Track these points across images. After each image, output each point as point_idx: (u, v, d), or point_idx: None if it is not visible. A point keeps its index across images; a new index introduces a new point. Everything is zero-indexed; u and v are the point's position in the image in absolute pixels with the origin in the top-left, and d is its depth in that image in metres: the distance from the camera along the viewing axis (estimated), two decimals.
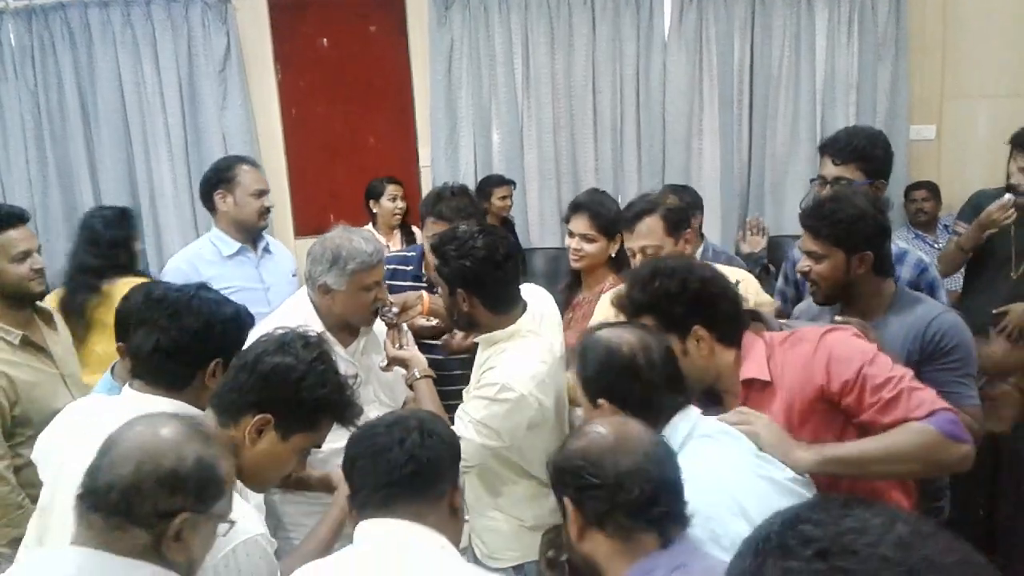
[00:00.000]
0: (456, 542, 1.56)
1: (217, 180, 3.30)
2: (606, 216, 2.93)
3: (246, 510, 1.63)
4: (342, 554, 1.55)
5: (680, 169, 5.11)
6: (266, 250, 3.36)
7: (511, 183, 4.91)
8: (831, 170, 2.76)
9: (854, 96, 5.13)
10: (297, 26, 5.18)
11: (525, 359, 2.22)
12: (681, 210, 2.73)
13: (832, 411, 1.91)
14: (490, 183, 4.85)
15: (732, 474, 1.66)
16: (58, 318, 2.87)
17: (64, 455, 1.81)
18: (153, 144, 5.08)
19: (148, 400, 1.81)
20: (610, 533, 1.43)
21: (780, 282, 3.13)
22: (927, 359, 2.17)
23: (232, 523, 1.45)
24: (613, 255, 2.93)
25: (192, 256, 3.26)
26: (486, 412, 2.16)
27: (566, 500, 1.48)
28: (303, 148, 5.27)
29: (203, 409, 1.79)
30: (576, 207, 2.99)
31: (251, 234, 3.29)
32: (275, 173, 5.20)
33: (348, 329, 2.56)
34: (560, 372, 2.35)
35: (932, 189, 4.97)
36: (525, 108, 5.17)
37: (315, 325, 2.40)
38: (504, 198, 4.84)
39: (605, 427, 1.52)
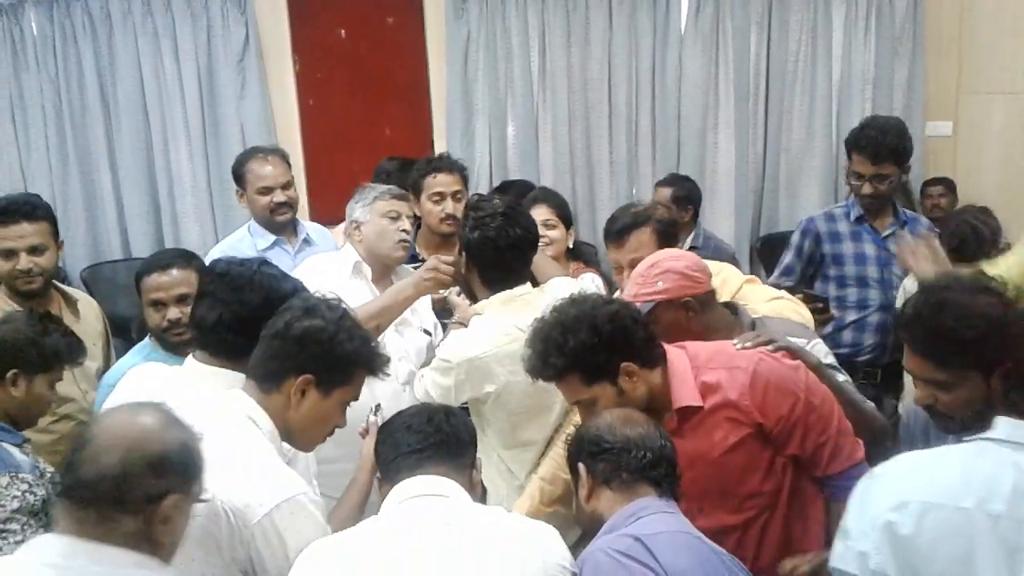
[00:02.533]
0: None
1: (235, 178, 3.33)
2: (562, 206, 3.17)
3: (285, 472, 1.72)
4: (380, 516, 1.69)
5: (695, 163, 5.11)
6: (306, 241, 3.31)
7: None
8: (869, 168, 2.98)
9: (870, 92, 5.12)
10: (315, 17, 5.20)
11: (472, 333, 2.38)
12: (672, 223, 2.67)
13: (764, 441, 1.97)
14: (510, 190, 4.57)
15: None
16: (88, 308, 2.89)
17: None
18: (172, 133, 5.12)
19: (211, 371, 1.94)
20: (615, 488, 1.71)
21: (790, 256, 3.27)
22: None
23: (207, 500, 1.52)
24: (571, 246, 3.13)
25: (230, 248, 3.23)
26: (431, 375, 2.37)
27: (580, 465, 1.75)
28: (320, 138, 5.31)
29: None
30: (534, 199, 3.18)
31: (275, 229, 3.26)
32: (292, 163, 5.21)
33: (387, 278, 2.76)
34: None
35: (948, 185, 4.97)
36: (541, 101, 5.18)
37: (349, 262, 2.66)
38: None
39: (613, 411, 1.84)
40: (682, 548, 1.58)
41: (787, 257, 3.34)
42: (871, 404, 2.31)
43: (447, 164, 3.13)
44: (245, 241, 3.26)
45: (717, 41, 5.10)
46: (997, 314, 1.68)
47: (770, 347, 2.08)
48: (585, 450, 1.75)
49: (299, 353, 1.75)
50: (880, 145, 3.01)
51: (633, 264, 2.51)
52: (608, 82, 5.13)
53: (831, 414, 1.99)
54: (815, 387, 2.01)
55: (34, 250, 2.66)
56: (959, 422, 1.72)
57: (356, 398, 1.88)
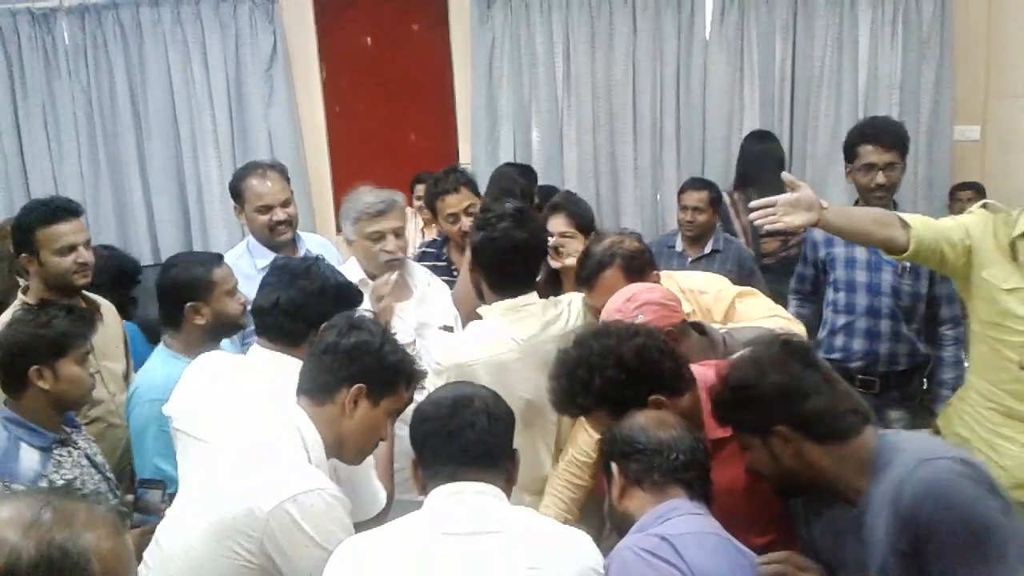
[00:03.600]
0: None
1: (233, 194, 3.23)
2: (581, 215, 3.05)
3: (310, 470, 1.76)
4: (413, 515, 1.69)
5: (720, 168, 5.10)
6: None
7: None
8: (883, 156, 3.04)
9: (897, 96, 5.08)
10: (342, 25, 5.26)
11: (467, 338, 2.41)
12: (642, 253, 2.52)
13: None
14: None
15: None
16: (109, 312, 2.93)
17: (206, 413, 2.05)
18: (201, 141, 5.19)
19: (274, 357, 2.08)
20: (646, 488, 1.71)
21: (800, 264, 3.39)
22: (919, 553, 1.56)
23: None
24: None
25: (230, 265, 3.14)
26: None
27: (614, 465, 1.76)
28: (346, 145, 5.36)
29: None
30: (553, 207, 3.07)
31: (275, 246, 3.13)
32: (319, 169, 5.31)
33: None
34: (535, 368, 2.35)
35: (978, 190, 4.92)
36: (565, 106, 5.20)
37: (354, 279, 2.61)
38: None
39: (648, 413, 1.84)
40: (709, 549, 1.59)
41: (799, 265, 3.43)
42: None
43: (452, 184, 3.17)
44: (244, 259, 3.13)
45: (742, 46, 5.09)
46: (754, 376, 1.72)
47: None
48: (618, 450, 1.76)
49: (351, 364, 1.83)
50: (889, 133, 3.09)
51: None
52: (632, 87, 5.13)
53: None
54: None
55: (87, 244, 2.75)
56: (777, 487, 1.79)
57: (401, 410, 1.93)
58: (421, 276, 2.94)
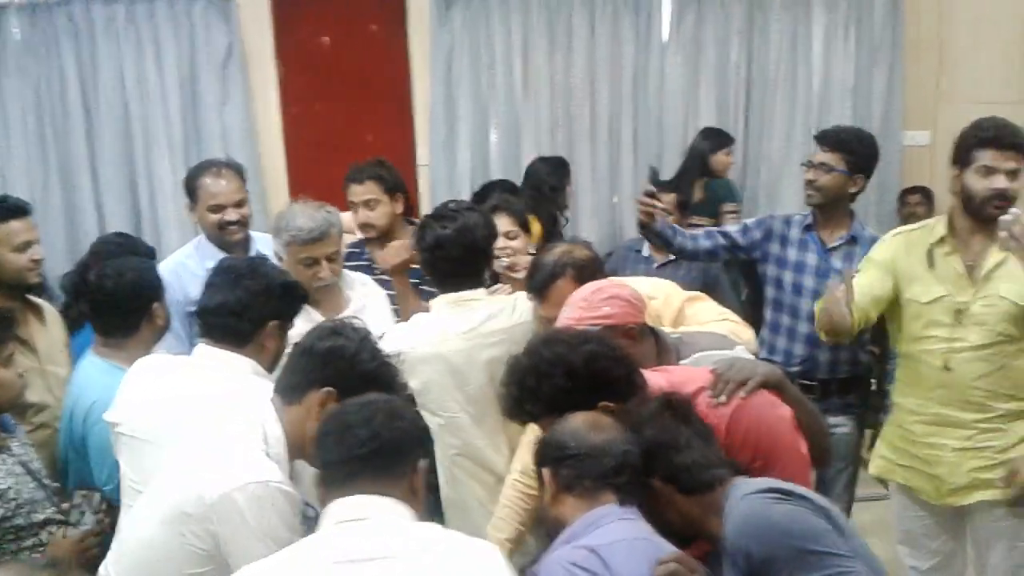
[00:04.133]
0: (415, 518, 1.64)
1: (187, 191, 3.17)
2: (521, 212, 3.12)
3: (263, 461, 1.76)
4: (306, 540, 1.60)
5: (675, 172, 5.14)
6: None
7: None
8: (818, 156, 3.11)
9: (850, 100, 5.17)
10: (299, 24, 5.21)
11: (407, 329, 2.49)
12: (592, 262, 2.50)
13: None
14: (494, 190, 4.67)
15: None
16: (52, 316, 2.88)
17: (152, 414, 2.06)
18: (154, 140, 5.10)
19: (221, 355, 2.09)
20: (577, 494, 1.69)
21: (735, 228, 3.36)
22: None
23: None
24: (532, 251, 3.04)
25: (177, 265, 3.07)
26: None
27: (545, 471, 1.74)
28: (303, 145, 5.31)
29: (267, 370, 2.07)
30: (494, 209, 3.03)
31: (226, 247, 3.08)
32: (275, 170, 5.26)
33: (330, 295, 2.79)
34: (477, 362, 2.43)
35: (926, 194, 5.02)
36: (523, 109, 5.20)
37: None
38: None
39: (582, 416, 1.79)
40: (639, 555, 1.59)
41: (732, 225, 3.45)
42: (826, 424, 2.27)
43: (358, 175, 3.21)
44: (192, 259, 3.08)
45: (698, 50, 5.15)
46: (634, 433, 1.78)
47: (745, 391, 1.95)
48: (550, 455, 1.75)
49: (323, 368, 1.85)
50: (829, 133, 3.16)
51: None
52: (591, 90, 5.15)
53: (799, 473, 1.94)
54: (790, 440, 1.95)
55: (38, 242, 2.73)
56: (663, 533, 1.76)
57: None
58: (359, 285, 2.93)
